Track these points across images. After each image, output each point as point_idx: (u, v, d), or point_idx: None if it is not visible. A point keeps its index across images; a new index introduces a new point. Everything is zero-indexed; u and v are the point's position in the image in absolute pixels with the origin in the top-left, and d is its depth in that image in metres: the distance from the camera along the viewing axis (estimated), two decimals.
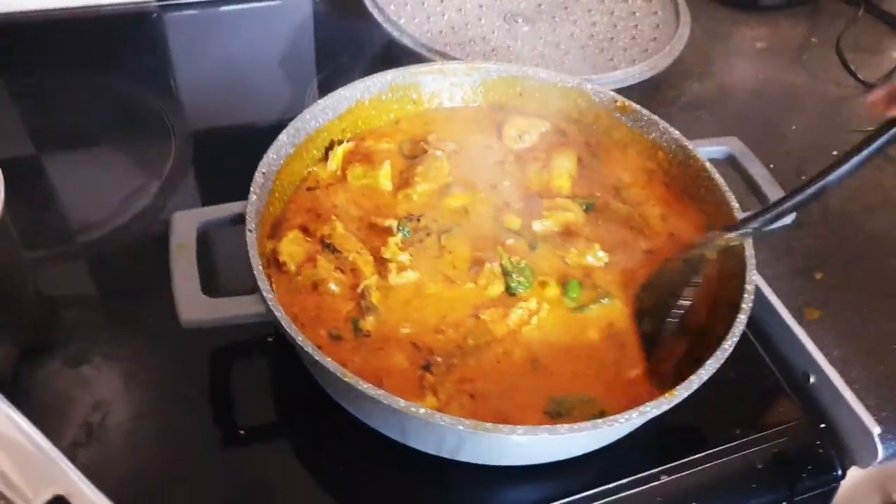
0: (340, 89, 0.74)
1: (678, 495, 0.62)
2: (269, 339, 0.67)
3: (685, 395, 0.53)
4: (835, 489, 0.68)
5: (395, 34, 0.94)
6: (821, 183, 0.59)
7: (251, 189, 0.62)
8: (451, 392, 0.56)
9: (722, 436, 0.66)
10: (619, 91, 0.81)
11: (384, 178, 0.73)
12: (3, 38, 0.98)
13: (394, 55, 0.95)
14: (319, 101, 0.72)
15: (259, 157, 0.65)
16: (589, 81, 0.81)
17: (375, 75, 0.76)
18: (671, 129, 0.75)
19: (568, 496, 0.60)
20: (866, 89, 1.09)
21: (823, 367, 0.68)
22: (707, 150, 0.75)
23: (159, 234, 0.62)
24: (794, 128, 1.02)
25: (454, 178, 0.74)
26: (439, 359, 0.58)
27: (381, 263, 0.64)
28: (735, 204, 0.67)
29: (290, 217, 0.68)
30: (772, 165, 0.93)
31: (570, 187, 0.75)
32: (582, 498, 0.60)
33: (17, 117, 0.91)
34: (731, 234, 0.64)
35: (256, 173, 0.64)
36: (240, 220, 0.60)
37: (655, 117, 0.76)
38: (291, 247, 0.63)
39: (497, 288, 0.64)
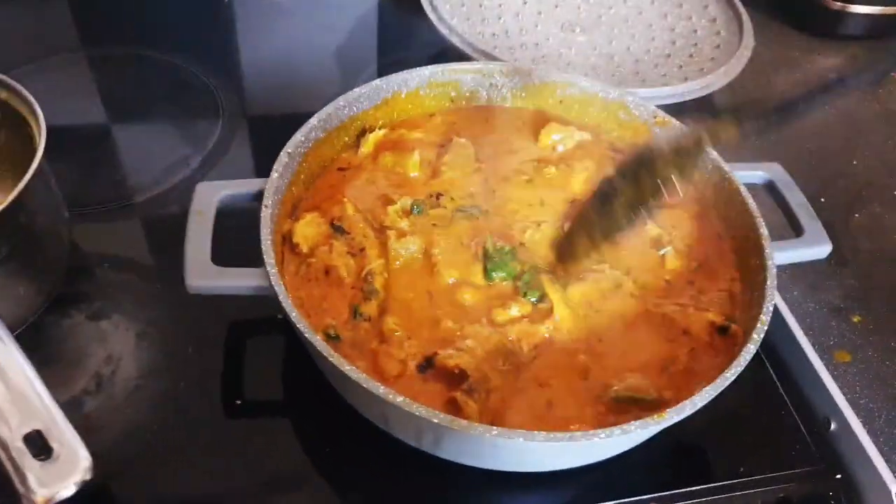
0: (378, 80, 0.76)
1: None
2: (279, 317, 0.69)
3: (676, 418, 0.51)
4: None
5: (445, 32, 0.95)
6: None
7: (274, 167, 0.64)
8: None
9: (725, 470, 0.63)
10: (670, 108, 0.79)
11: (413, 166, 0.73)
12: (83, 12, 1.04)
13: (446, 54, 0.95)
14: (355, 90, 0.74)
15: None
16: (632, 94, 0.79)
17: (414, 69, 0.77)
18: (709, 148, 0.72)
19: None
20: None
21: (846, 415, 0.64)
22: (745, 174, 0.72)
23: None
24: (854, 163, 0.96)
25: (484, 168, 0.74)
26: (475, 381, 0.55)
27: (381, 234, 0.64)
28: (764, 231, 0.64)
29: (311, 199, 0.70)
30: (823, 199, 0.89)
31: None
32: None
33: (89, 84, 0.97)
34: None
35: (282, 153, 0.65)
36: (261, 196, 0.62)
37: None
38: (307, 228, 0.64)
39: (477, 273, 0.63)
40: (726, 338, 0.60)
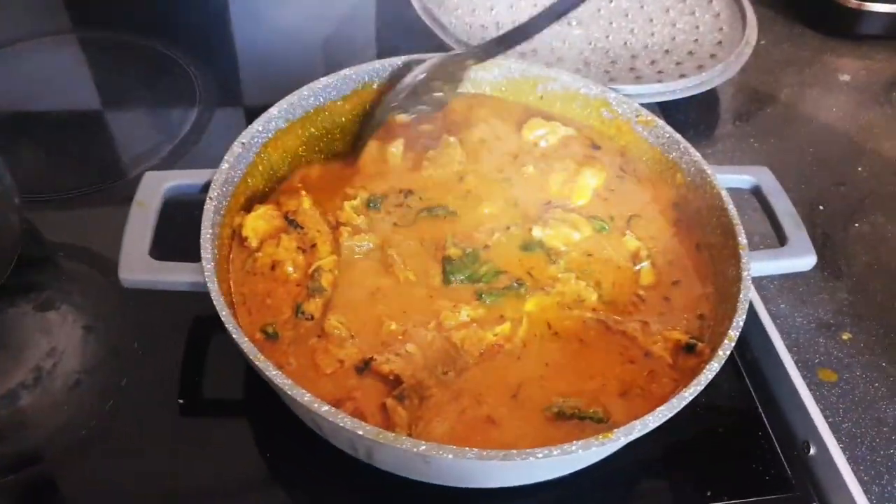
0: (346, 69, 0.72)
1: None
2: None
3: (623, 440, 0.47)
4: None
5: (428, 22, 0.91)
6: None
7: (224, 158, 0.61)
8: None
9: (691, 495, 0.59)
10: (666, 106, 0.75)
11: (394, 156, 0.70)
12: None
13: (444, 47, 0.92)
14: (321, 79, 0.71)
15: None
16: (616, 91, 0.75)
17: (384, 60, 0.74)
18: (691, 150, 0.68)
19: None
20: None
21: (826, 439, 0.60)
22: (730, 178, 0.68)
23: None
24: (859, 169, 0.91)
25: (465, 167, 0.71)
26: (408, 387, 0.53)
27: (336, 230, 0.62)
28: (742, 239, 0.60)
29: (271, 192, 0.67)
30: (821, 207, 0.84)
31: (588, 204, 0.70)
32: None
33: (69, 68, 0.95)
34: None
35: (235, 143, 0.63)
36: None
37: (677, 136, 0.70)
38: (257, 222, 0.62)
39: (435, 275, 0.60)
40: (691, 358, 0.56)
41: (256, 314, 0.57)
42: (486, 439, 0.50)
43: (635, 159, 0.73)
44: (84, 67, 0.96)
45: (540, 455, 0.44)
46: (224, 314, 0.50)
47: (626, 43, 1.01)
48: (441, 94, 0.73)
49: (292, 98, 0.68)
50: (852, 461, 0.59)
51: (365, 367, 0.54)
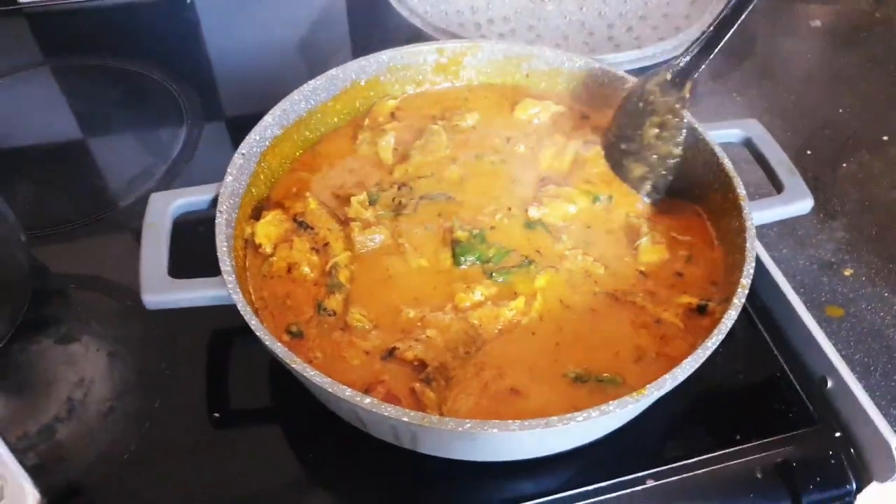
0: (332, 69, 0.73)
1: (664, 502, 0.58)
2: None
3: (656, 394, 0.49)
4: None
5: (405, 14, 0.92)
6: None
7: (227, 170, 0.62)
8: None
9: (720, 440, 0.61)
10: (645, 70, 0.76)
11: (384, 150, 0.71)
12: (47, 24, 1.02)
13: (420, 37, 0.92)
14: (309, 82, 0.71)
15: None
16: (599, 61, 0.76)
17: (370, 55, 0.75)
18: (681, 111, 0.69)
19: (540, 497, 0.57)
20: None
21: (842, 371, 0.62)
22: (721, 134, 0.69)
23: None
24: (840, 111, 0.93)
25: (454, 153, 0.72)
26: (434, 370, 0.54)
27: (346, 225, 0.63)
28: (741, 191, 0.61)
29: (273, 197, 0.68)
30: (809, 151, 0.87)
31: (581, 176, 0.71)
32: (556, 500, 0.57)
33: (48, 99, 0.95)
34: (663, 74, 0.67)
35: (235, 155, 0.63)
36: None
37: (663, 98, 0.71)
38: (268, 228, 0.63)
39: (446, 258, 0.61)
40: (703, 318, 0.58)
41: (279, 316, 0.58)
42: (515, 410, 0.51)
43: None
44: (63, 97, 0.96)
45: (580, 419, 0.46)
46: (254, 323, 0.51)
47: (600, 13, 1.02)
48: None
49: (284, 104, 0.69)
50: (868, 389, 0.61)
51: (389, 355, 0.55)
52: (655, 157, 0.67)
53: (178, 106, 0.92)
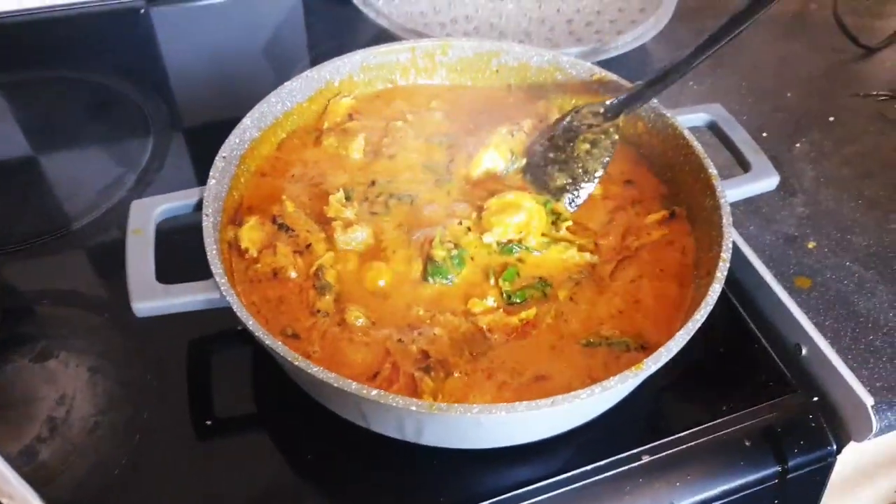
0: (308, 70, 0.73)
1: (661, 476, 0.60)
2: (239, 328, 0.66)
3: (654, 367, 0.50)
4: (831, 465, 0.65)
5: (371, 15, 0.93)
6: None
7: (210, 174, 0.61)
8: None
9: (708, 413, 0.63)
10: (606, 63, 0.78)
11: (356, 150, 0.71)
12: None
13: (382, 37, 0.93)
14: (286, 84, 0.71)
15: None
16: (567, 54, 0.78)
17: (345, 56, 0.75)
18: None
19: (541, 479, 0.58)
20: (867, 54, 1.04)
21: (815, 338, 0.65)
22: (687, 118, 0.72)
23: None
24: (788, 95, 0.98)
25: (425, 148, 0.72)
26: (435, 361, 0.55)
27: (327, 224, 0.63)
28: (713, 170, 0.64)
29: (247, 202, 0.67)
30: (765, 134, 0.91)
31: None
32: (557, 482, 0.58)
33: (8, 113, 0.92)
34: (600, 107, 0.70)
35: (217, 158, 0.62)
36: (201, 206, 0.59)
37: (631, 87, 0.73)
38: (252, 232, 0.62)
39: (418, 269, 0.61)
40: (675, 224, 0.64)
41: (273, 321, 0.57)
42: (542, 394, 0.51)
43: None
44: (22, 112, 0.92)
45: (584, 395, 0.47)
46: (251, 323, 0.50)
47: (558, 10, 1.05)
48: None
49: (262, 107, 0.69)
50: (840, 353, 0.65)
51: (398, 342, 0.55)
52: (581, 170, 0.68)
53: (143, 115, 0.90)
